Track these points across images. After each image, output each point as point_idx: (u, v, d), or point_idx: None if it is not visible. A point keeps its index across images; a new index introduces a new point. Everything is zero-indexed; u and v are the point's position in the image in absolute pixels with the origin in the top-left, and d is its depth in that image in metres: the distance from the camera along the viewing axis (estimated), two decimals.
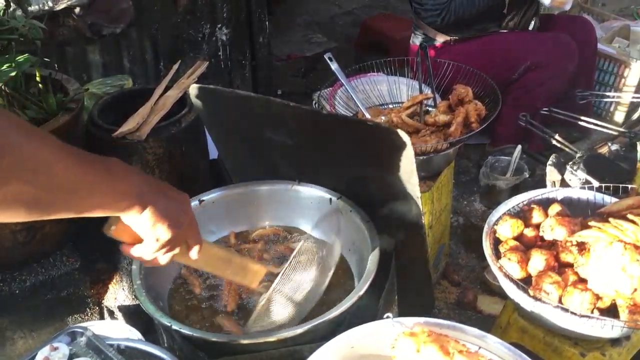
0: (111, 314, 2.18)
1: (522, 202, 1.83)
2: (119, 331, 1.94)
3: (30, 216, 0.96)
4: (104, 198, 1.05)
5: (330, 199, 1.87)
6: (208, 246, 1.38)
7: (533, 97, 2.93)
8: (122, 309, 2.14)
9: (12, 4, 1.94)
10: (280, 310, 1.55)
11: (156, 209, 1.12)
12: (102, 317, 2.21)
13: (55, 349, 1.40)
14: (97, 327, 1.82)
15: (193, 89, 1.87)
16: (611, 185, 1.82)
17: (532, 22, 3.07)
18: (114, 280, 2.20)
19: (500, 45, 2.96)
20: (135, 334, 1.94)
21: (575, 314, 1.47)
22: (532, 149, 3.06)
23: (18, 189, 0.90)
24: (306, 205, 1.92)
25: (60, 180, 0.95)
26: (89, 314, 2.17)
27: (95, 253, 2.28)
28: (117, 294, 2.17)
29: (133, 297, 2.13)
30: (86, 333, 1.44)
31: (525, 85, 2.94)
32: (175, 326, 1.46)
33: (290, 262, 1.56)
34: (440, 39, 3.03)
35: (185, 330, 1.46)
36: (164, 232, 1.15)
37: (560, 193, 1.86)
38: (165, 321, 1.48)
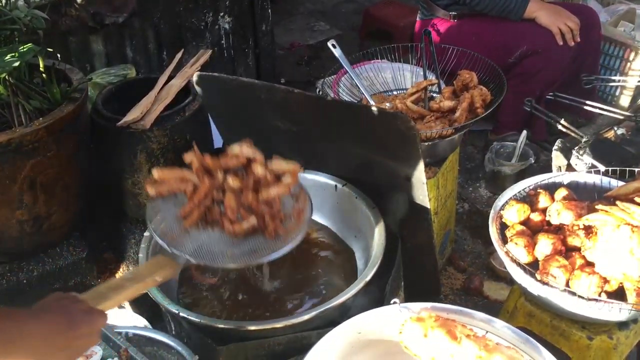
0: None
1: (529, 186, 1.82)
2: (126, 320, 1.95)
3: None
4: None
5: (336, 185, 1.87)
6: (109, 304, 1.33)
7: (532, 84, 2.91)
8: None
9: None
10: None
11: None
12: None
13: None
14: None
15: (196, 78, 1.86)
16: (618, 169, 1.81)
17: None
18: (121, 270, 2.21)
19: (497, 29, 2.94)
20: (143, 322, 1.95)
21: (582, 297, 1.47)
22: (535, 136, 3.04)
23: None
24: (311, 193, 1.91)
25: None
26: None
27: (102, 243, 2.29)
28: None
29: None
30: None
31: (524, 72, 2.91)
32: (183, 313, 1.47)
33: None
34: (440, 15, 3.04)
35: (193, 317, 1.46)
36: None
37: (567, 177, 1.85)
38: (173, 308, 1.49)
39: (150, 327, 1.88)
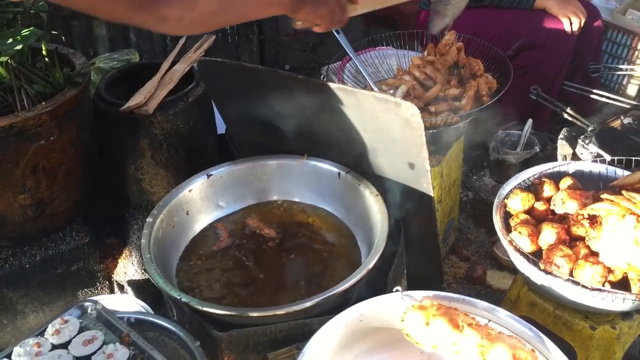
0: (121, 288, 2.20)
1: (533, 175, 1.81)
2: (128, 305, 1.95)
3: (217, 23, 1.28)
4: (260, 5, 1.33)
5: (339, 173, 1.86)
6: None
7: (531, 78, 2.88)
8: (131, 283, 2.15)
9: None
10: None
11: (305, 9, 1.40)
12: (112, 292, 2.22)
13: (66, 321, 1.41)
14: (107, 301, 1.83)
15: (200, 63, 1.85)
16: (624, 158, 1.80)
17: None
18: (124, 255, 2.21)
19: (497, 20, 2.92)
20: (145, 307, 1.95)
21: (586, 287, 1.46)
22: (537, 127, 3.01)
23: (206, 4, 1.17)
24: (314, 180, 1.91)
25: None
26: (99, 288, 2.18)
27: (104, 228, 2.29)
28: (127, 269, 2.18)
29: (142, 271, 2.14)
30: (96, 306, 1.45)
31: (522, 66, 2.88)
32: (185, 299, 1.47)
33: None
34: None
35: (194, 303, 1.46)
36: (321, 21, 1.50)
37: (572, 166, 1.84)
38: (175, 294, 1.48)
39: (152, 312, 1.88)
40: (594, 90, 2.62)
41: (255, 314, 1.47)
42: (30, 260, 2.00)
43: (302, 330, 1.47)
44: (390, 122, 1.59)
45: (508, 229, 1.65)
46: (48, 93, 1.93)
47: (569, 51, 2.93)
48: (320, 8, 1.43)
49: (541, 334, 1.33)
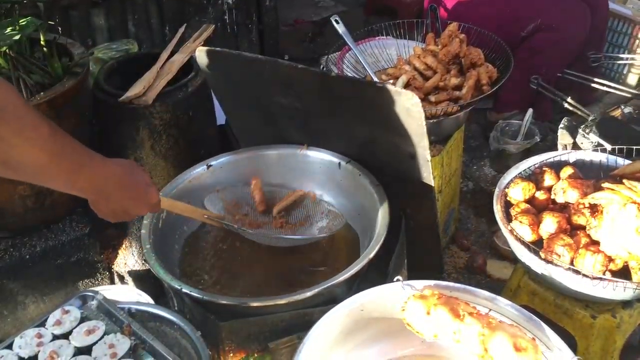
0: (121, 278, 2.20)
1: (534, 165, 1.81)
2: (129, 296, 1.95)
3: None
4: (59, 186, 1.19)
5: (340, 163, 1.85)
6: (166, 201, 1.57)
7: (540, 61, 2.86)
8: (132, 273, 2.15)
9: None
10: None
11: (101, 212, 1.31)
12: (112, 282, 2.22)
13: (67, 312, 1.41)
14: (108, 291, 1.83)
15: (199, 53, 1.84)
16: (624, 147, 1.79)
17: None
18: (124, 246, 2.20)
19: (511, 1, 2.90)
20: (146, 298, 1.95)
21: (587, 276, 1.46)
22: (538, 117, 3.00)
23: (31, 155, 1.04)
24: (315, 170, 1.91)
25: (28, 169, 1.08)
26: (100, 278, 2.18)
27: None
28: (127, 259, 2.17)
29: (143, 261, 2.13)
30: (97, 297, 1.45)
31: (533, 47, 2.86)
32: (185, 289, 1.47)
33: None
34: None
35: (195, 293, 1.46)
36: (109, 218, 1.34)
37: (573, 156, 1.83)
38: (175, 284, 1.48)
39: (153, 303, 1.88)
40: (595, 79, 2.61)
41: (256, 304, 1.47)
42: (30, 251, 1.99)
43: (303, 320, 1.47)
44: (390, 112, 1.58)
45: (509, 218, 1.65)
46: (47, 83, 1.92)
47: (583, 36, 2.90)
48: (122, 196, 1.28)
49: (542, 323, 1.33)
